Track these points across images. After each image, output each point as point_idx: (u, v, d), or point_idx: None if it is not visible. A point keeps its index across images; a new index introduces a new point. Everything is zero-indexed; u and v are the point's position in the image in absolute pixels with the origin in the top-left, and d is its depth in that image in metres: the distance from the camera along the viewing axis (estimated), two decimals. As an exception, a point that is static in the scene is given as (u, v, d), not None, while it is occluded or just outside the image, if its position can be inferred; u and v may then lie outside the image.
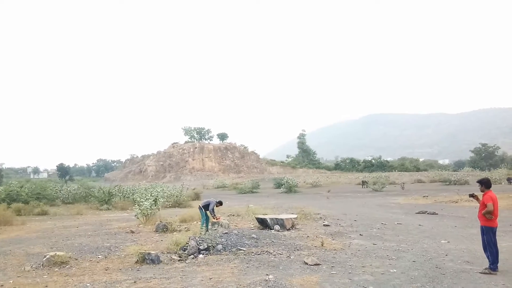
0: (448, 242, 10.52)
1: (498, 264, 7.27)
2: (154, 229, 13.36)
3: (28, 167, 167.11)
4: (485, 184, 7.53)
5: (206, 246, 9.26)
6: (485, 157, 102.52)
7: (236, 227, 12.99)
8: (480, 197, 7.60)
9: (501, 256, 7.53)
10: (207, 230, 11.47)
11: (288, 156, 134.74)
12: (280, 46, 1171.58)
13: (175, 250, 9.35)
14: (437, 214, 17.53)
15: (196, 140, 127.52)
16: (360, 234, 11.94)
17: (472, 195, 7.87)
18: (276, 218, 12.88)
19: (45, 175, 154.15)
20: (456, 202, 23.18)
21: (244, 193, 46.00)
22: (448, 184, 46.39)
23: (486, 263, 7.49)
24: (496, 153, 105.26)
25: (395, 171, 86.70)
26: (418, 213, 18.17)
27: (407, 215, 17.72)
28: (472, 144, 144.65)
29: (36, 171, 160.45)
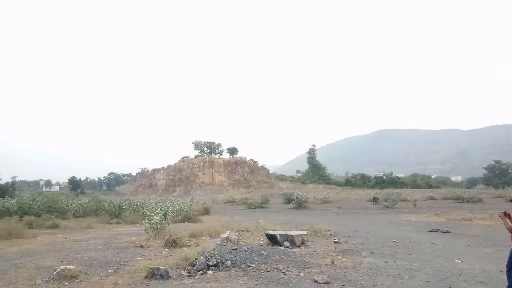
0: (462, 261, 10.31)
1: None
2: (163, 244, 13.33)
3: (41, 180, 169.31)
4: None
5: (215, 262, 9.21)
6: (498, 175, 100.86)
7: (246, 243, 12.90)
8: None
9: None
10: None
11: (298, 171, 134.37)
12: (291, 61, 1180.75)
13: (184, 265, 9.31)
14: (450, 232, 17.22)
15: (206, 154, 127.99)
16: (372, 252, 11.76)
17: (505, 213, 7.13)
18: (286, 235, 12.77)
19: (57, 188, 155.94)
20: (470, 220, 22.78)
21: (254, 208, 45.80)
22: (461, 202, 45.64)
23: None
24: (510, 170, 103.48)
25: (407, 187, 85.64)
26: (430, 231, 17.87)
27: (419, 233, 17.44)
28: (484, 161, 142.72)
29: (48, 184, 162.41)
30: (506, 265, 7.07)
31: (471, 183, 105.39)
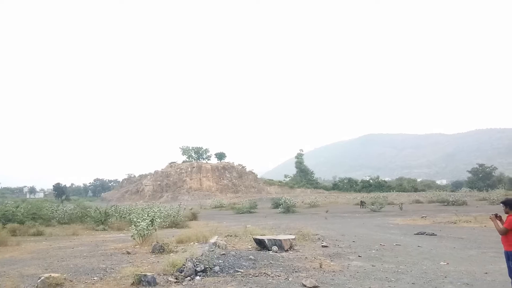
0: (447, 263, 10.44)
1: None
2: (150, 250, 13.21)
3: (25, 186, 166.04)
4: (510, 205, 6.74)
5: (203, 268, 9.15)
6: (482, 178, 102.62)
7: (234, 248, 12.87)
8: (504, 219, 6.78)
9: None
10: None
11: (286, 176, 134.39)
12: (279, 66, 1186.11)
13: (172, 271, 9.23)
14: (436, 235, 17.43)
15: (194, 159, 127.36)
16: (359, 256, 11.84)
17: (496, 216, 6.89)
18: (274, 239, 12.78)
19: (41, 194, 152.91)
20: (455, 223, 23.09)
21: (242, 213, 45.68)
22: (446, 205, 46.28)
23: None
24: (493, 173, 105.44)
25: (393, 191, 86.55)
26: (416, 234, 18.06)
27: (406, 236, 17.62)
28: (469, 164, 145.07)
29: (32, 190, 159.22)
30: (509, 273, 6.77)
31: (456, 186, 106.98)
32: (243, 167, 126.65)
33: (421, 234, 17.89)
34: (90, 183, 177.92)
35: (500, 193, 51.42)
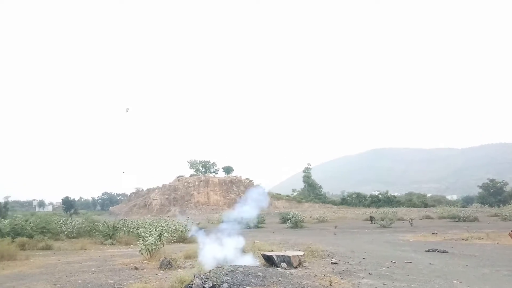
0: (460, 282, 10.23)
1: None
2: (158, 266, 13.16)
3: (34, 200, 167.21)
4: None
5: (211, 285, 9.08)
6: (493, 193, 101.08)
7: (242, 264, 12.75)
8: None
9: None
10: None
11: (293, 190, 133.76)
12: (287, 80, 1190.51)
13: (180, 288, 9.17)
14: (447, 252, 17.12)
15: (202, 173, 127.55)
16: (369, 273, 11.65)
17: None
18: (283, 255, 12.65)
19: (50, 208, 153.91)
20: (466, 239, 22.69)
21: (249, 228, 45.38)
22: (457, 221, 45.56)
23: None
24: (504, 189, 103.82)
25: (403, 206, 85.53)
26: (428, 251, 17.76)
27: (417, 253, 17.33)
28: (479, 179, 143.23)
29: (41, 204, 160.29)
30: None
31: (467, 201, 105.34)
32: (250, 181, 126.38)
33: (433, 251, 17.58)
34: (98, 196, 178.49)
35: (512, 209, 50.52)
